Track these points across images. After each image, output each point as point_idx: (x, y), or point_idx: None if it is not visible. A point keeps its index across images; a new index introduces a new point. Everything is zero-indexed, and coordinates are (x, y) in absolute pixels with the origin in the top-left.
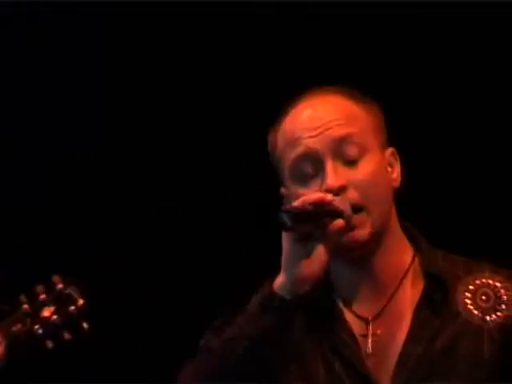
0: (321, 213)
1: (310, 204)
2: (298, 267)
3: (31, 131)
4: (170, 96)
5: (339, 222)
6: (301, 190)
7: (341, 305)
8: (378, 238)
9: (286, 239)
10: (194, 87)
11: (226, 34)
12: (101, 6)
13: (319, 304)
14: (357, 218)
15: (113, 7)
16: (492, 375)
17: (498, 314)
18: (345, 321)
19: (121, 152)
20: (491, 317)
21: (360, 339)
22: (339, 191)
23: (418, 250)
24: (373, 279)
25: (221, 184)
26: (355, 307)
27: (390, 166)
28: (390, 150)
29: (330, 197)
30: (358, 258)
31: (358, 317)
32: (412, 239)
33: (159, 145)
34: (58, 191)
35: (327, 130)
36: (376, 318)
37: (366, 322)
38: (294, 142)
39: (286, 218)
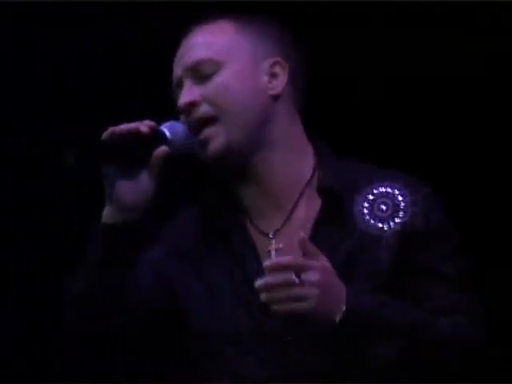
0: (135, 142)
1: (121, 135)
2: (122, 197)
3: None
4: None
5: (162, 149)
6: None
7: (247, 222)
8: (245, 148)
9: (107, 170)
10: None
11: None
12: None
13: (225, 222)
14: (207, 132)
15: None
16: (390, 282)
17: (396, 220)
18: (249, 237)
19: None
20: (389, 225)
21: (263, 255)
22: (191, 107)
23: (319, 164)
24: (268, 194)
25: None
26: (258, 223)
27: (271, 75)
28: (271, 60)
29: (142, 127)
30: (243, 173)
31: (261, 233)
32: (316, 153)
33: None
34: None
35: (186, 55)
36: (277, 232)
37: (268, 237)
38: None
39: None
